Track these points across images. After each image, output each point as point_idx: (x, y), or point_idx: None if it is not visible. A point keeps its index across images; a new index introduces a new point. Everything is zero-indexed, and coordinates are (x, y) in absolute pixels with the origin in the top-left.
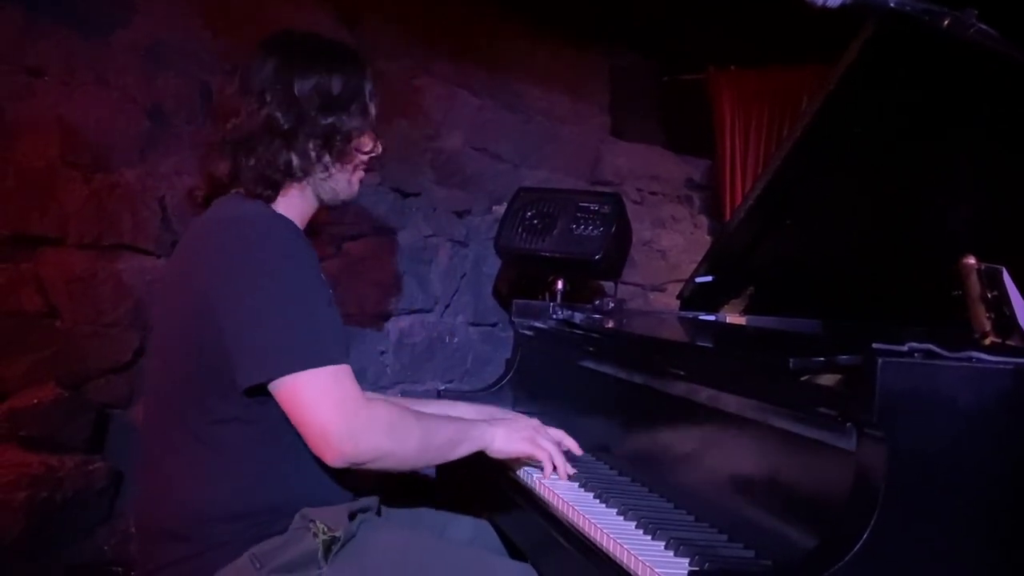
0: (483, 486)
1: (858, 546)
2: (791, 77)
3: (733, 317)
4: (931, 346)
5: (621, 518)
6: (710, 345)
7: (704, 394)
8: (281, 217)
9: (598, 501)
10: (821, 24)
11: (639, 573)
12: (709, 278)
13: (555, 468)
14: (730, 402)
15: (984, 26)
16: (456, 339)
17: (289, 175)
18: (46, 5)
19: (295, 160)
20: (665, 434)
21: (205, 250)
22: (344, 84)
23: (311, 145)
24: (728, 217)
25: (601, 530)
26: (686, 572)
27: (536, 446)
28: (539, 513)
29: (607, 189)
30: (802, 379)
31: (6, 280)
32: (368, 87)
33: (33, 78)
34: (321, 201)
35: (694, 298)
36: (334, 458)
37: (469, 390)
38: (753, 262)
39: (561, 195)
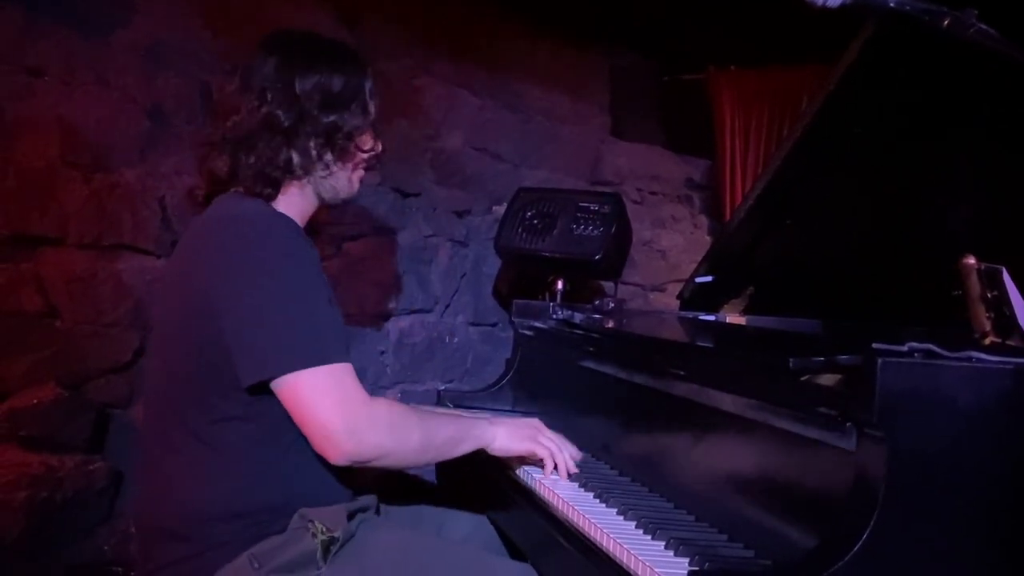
0: (483, 485)
1: (858, 546)
2: (791, 77)
3: (733, 317)
4: (931, 346)
5: (621, 518)
6: (710, 345)
7: (704, 394)
8: (281, 215)
9: (598, 501)
10: (821, 24)
11: (639, 573)
12: (709, 278)
13: (556, 467)
14: (730, 402)
15: (984, 26)
16: (456, 339)
17: (290, 173)
18: (46, 5)
19: (295, 158)
20: (665, 434)
21: (205, 249)
22: (345, 82)
23: (312, 143)
24: (728, 217)
25: (601, 530)
26: (686, 572)
27: (537, 443)
28: (539, 513)
29: (607, 189)
30: (802, 379)
31: (6, 280)
32: (368, 86)
33: (33, 78)
34: (322, 200)
35: (694, 298)
36: (337, 456)
37: (469, 390)
38: (753, 262)
39: (561, 195)
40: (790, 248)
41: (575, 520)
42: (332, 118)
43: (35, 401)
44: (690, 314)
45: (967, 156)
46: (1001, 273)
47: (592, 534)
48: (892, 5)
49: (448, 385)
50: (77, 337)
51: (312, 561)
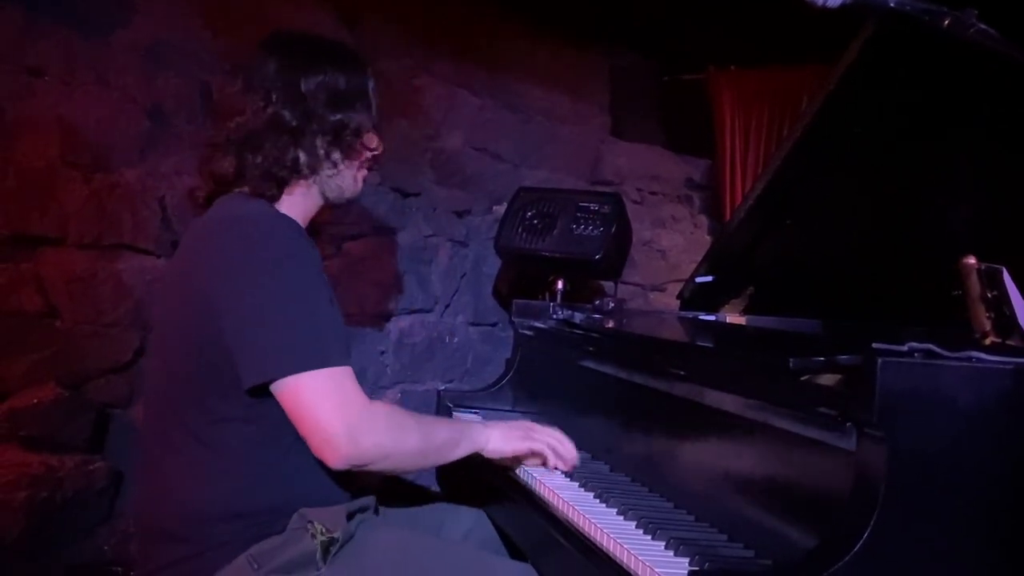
0: (483, 486)
1: (858, 546)
2: (791, 77)
3: (733, 317)
4: (931, 346)
5: (621, 518)
6: (710, 345)
7: (704, 394)
8: (284, 216)
9: (598, 501)
10: (821, 24)
11: (639, 573)
12: (709, 278)
13: (555, 464)
14: (730, 402)
15: (984, 26)
16: (456, 339)
17: (296, 172)
18: (46, 5)
19: (303, 157)
20: (665, 434)
21: (206, 250)
22: (349, 81)
23: (319, 142)
24: (728, 217)
25: (601, 530)
26: (686, 572)
27: (531, 441)
28: (539, 513)
29: (607, 189)
30: (802, 379)
31: (6, 280)
32: (371, 85)
33: (33, 78)
34: (326, 199)
35: (694, 298)
36: (336, 460)
37: (469, 390)
38: (753, 262)
39: (561, 195)
40: (790, 248)
41: (575, 520)
42: (339, 116)
43: (35, 401)
44: (690, 314)
45: (967, 156)
46: (1001, 273)
47: (592, 534)
48: (892, 5)
49: (448, 385)
50: (77, 337)
51: (312, 562)
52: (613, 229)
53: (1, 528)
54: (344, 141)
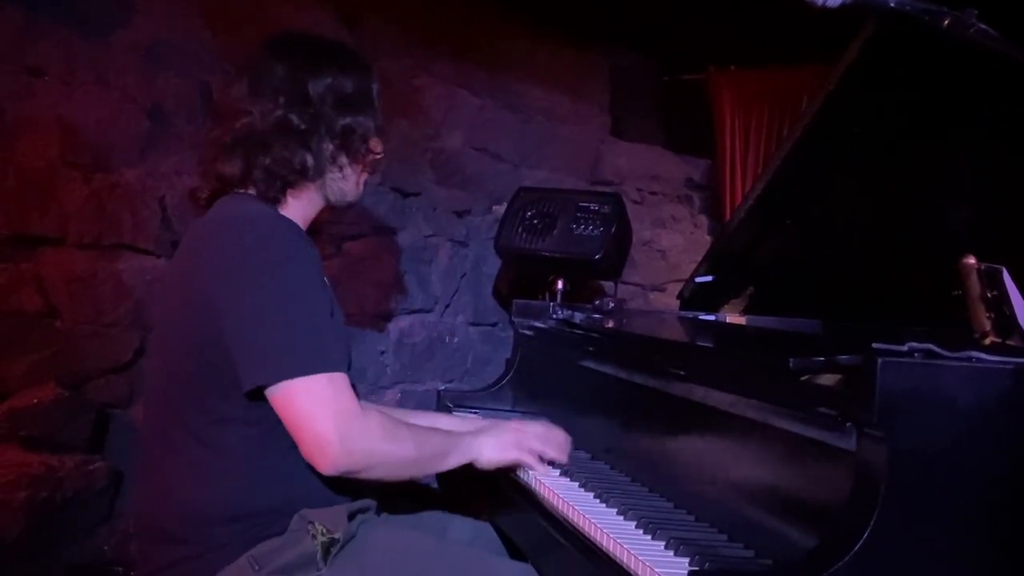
0: (483, 487)
1: (858, 546)
2: (791, 77)
3: (733, 317)
4: (931, 346)
5: (621, 518)
6: (710, 345)
7: (704, 394)
8: (284, 218)
9: (598, 501)
10: (821, 24)
11: (639, 573)
12: (709, 278)
13: (552, 461)
14: (730, 402)
15: (984, 26)
16: (456, 339)
17: (304, 175)
18: (46, 5)
19: (310, 160)
20: (665, 434)
21: (207, 250)
22: (356, 84)
23: (327, 146)
24: (728, 217)
25: (601, 530)
26: (686, 572)
27: (523, 451)
28: (539, 513)
29: (607, 189)
30: (802, 379)
31: (6, 280)
32: (376, 87)
33: (33, 78)
34: (327, 201)
35: (694, 298)
36: (326, 466)
37: (469, 390)
38: (753, 262)
39: (561, 195)
40: (790, 248)
41: (575, 520)
42: (348, 121)
43: (35, 401)
44: (690, 314)
45: (967, 156)
46: (1001, 273)
47: (592, 534)
48: (892, 5)
49: (448, 385)
50: (77, 337)
51: (312, 562)
52: (613, 229)
53: (1, 528)
54: (351, 145)
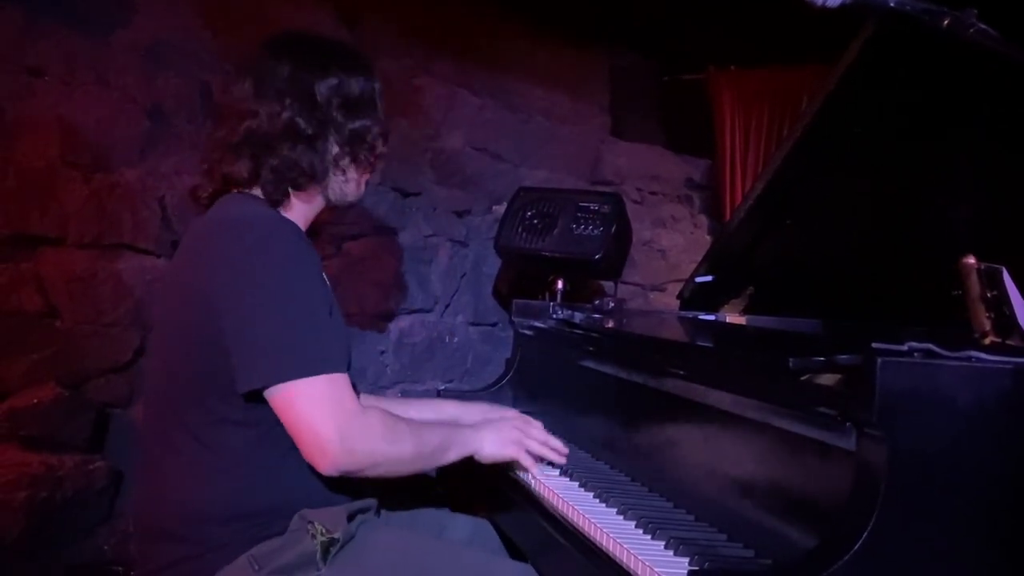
0: (483, 486)
1: (858, 546)
2: (791, 77)
3: (733, 317)
4: (931, 346)
5: (621, 518)
6: (710, 345)
7: (704, 394)
8: (284, 219)
9: (598, 501)
10: (821, 24)
11: (639, 572)
12: (709, 278)
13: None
14: (730, 402)
15: (984, 26)
16: (456, 339)
17: (311, 178)
18: (46, 5)
19: (317, 162)
20: (665, 434)
21: (207, 251)
22: (362, 87)
23: (334, 148)
24: (728, 217)
25: (601, 530)
26: (686, 571)
27: (522, 452)
28: (539, 513)
29: (607, 189)
30: (802, 379)
31: (6, 280)
32: (379, 88)
33: (33, 78)
34: (329, 202)
35: (694, 298)
36: (327, 467)
37: (469, 390)
38: (753, 262)
39: (561, 195)
40: (790, 248)
41: (575, 520)
42: (355, 124)
43: (35, 401)
44: (690, 314)
45: (967, 156)
46: (1001, 273)
47: (592, 534)
48: (892, 5)
49: (448, 385)
50: (77, 337)
51: (312, 562)
52: (613, 229)
53: (1, 528)
54: (358, 149)
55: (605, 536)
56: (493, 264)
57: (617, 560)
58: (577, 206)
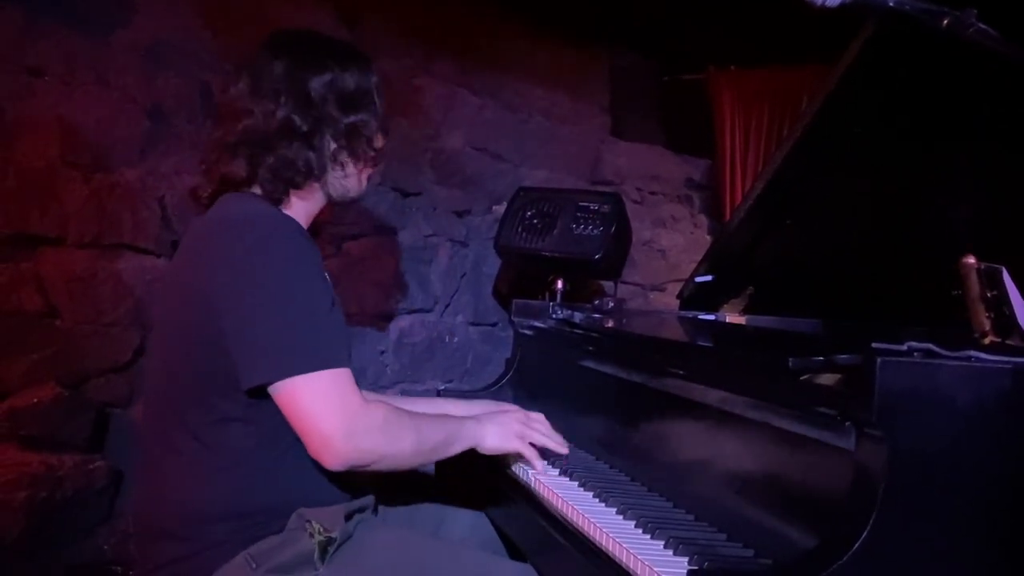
0: (482, 485)
1: (857, 545)
2: (791, 77)
3: (733, 317)
4: (930, 345)
5: (620, 517)
6: (710, 345)
7: (704, 393)
8: (284, 217)
9: (598, 500)
10: (821, 24)
11: (638, 572)
12: (709, 278)
13: (552, 460)
14: (730, 401)
15: (984, 26)
16: (456, 339)
17: (309, 175)
18: (46, 5)
19: (314, 160)
20: (665, 433)
21: (207, 250)
22: (358, 82)
23: (331, 144)
24: (728, 217)
25: (601, 529)
26: (685, 571)
27: (525, 444)
28: (539, 513)
29: (607, 189)
30: (802, 379)
31: (6, 280)
32: (376, 82)
33: (33, 78)
34: (330, 199)
35: (694, 298)
36: (334, 462)
37: (469, 390)
38: (753, 262)
39: (561, 195)
40: (790, 248)
41: (574, 519)
42: (351, 119)
43: (35, 401)
44: (690, 314)
45: (967, 156)
46: (1001, 273)
47: (591, 533)
48: (891, 5)
49: (448, 385)
50: (77, 337)
51: (309, 561)
52: (613, 229)
53: (1, 528)
54: (354, 143)
55: (605, 536)
56: (493, 264)
57: (616, 560)
58: (577, 206)
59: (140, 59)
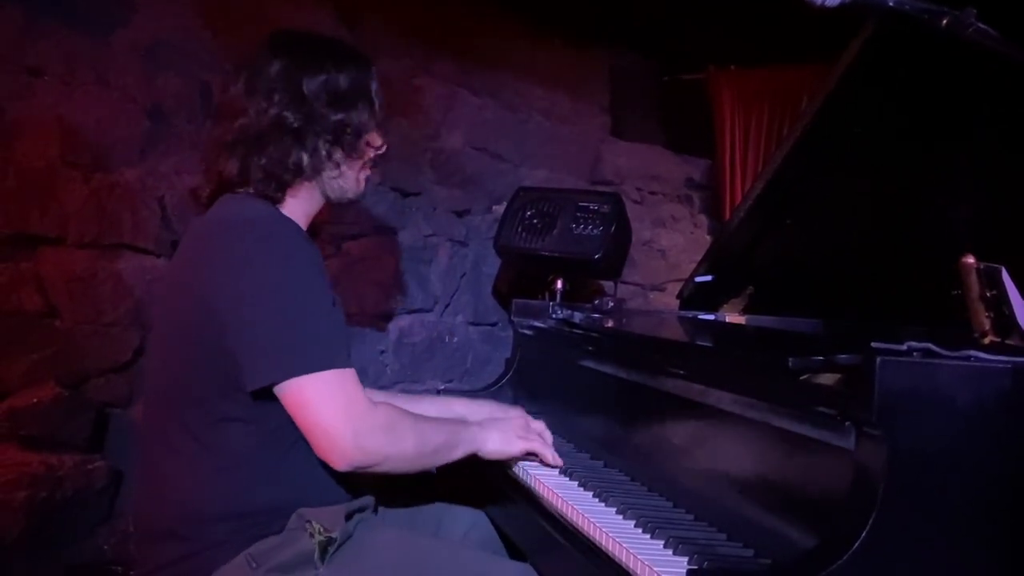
0: (482, 484)
1: (857, 545)
2: (791, 77)
3: (733, 317)
4: (930, 345)
5: (620, 517)
6: (710, 344)
7: (704, 393)
8: (284, 218)
9: (597, 500)
10: (821, 24)
11: (638, 572)
12: (709, 278)
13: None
14: (730, 401)
15: (983, 26)
16: (456, 339)
17: (299, 174)
18: (46, 5)
19: (305, 158)
20: (664, 433)
21: (207, 250)
22: (351, 80)
23: (321, 142)
24: (728, 217)
25: (600, 529)
26: (685, 571)
27: (529, 441)
28: (538, 512)
29: (607, 189)
30: (801, 378)
31: (6, 280)
32: (374, 84)
33: (33, 78)
34: (328, 199)
35: (694, 298)
36: (340, 462)
37: (469, 390)
38: (753, 262)
39: (561, 195)
40: (790, 248)
41: (574, 519)
42: (340, 116)
43: (35, 401)
44: (690, 314)
45: (967, 156)
46: (1001, 273)
47: (591, 533)
48: (891, 5)
49: (448, 385)
50: (77, 337)
51: (309, 561)
52: (613, 229)
53: (1, 528)
54: (345, 141)
55: (604, 535)
56: (493, 264)
57: (616, 559)
58: (577, 206)
59: (140, 59)
